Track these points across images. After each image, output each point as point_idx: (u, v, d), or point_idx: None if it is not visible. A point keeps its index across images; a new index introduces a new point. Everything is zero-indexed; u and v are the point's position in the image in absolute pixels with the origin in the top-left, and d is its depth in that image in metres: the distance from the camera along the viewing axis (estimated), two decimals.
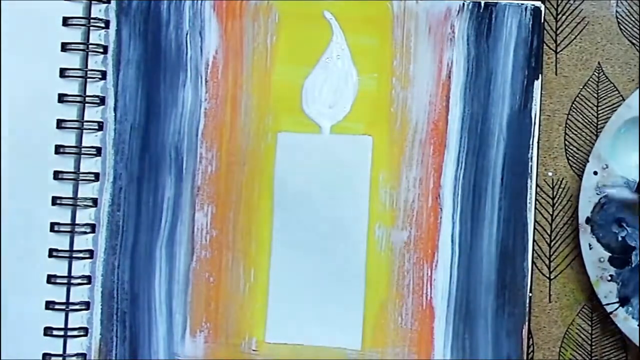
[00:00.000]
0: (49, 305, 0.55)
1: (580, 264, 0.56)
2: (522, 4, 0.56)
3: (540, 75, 0.56)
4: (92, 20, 0.56)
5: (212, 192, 0.56)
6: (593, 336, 0.56)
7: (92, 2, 0.56)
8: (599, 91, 0.57)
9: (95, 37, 0.56)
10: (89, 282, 0.56)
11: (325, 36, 0.56)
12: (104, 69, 0.56)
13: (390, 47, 0.56)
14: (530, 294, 0.56)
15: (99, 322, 0.56)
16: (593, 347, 0.56)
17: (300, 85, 0.56)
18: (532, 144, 0.56)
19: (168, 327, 0.56)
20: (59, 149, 0.56)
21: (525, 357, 0.55)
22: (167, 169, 0.56)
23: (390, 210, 0.56)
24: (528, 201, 0.55)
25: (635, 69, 0.56)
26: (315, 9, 0.56)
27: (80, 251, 0.56)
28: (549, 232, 0.57)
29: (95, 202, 0.56)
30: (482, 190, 0.56)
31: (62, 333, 0.55)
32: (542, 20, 0.56)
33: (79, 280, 0.56)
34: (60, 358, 0.55)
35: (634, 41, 0.56)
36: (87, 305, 0.56)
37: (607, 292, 0.55)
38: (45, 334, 0.55)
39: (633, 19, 0.56)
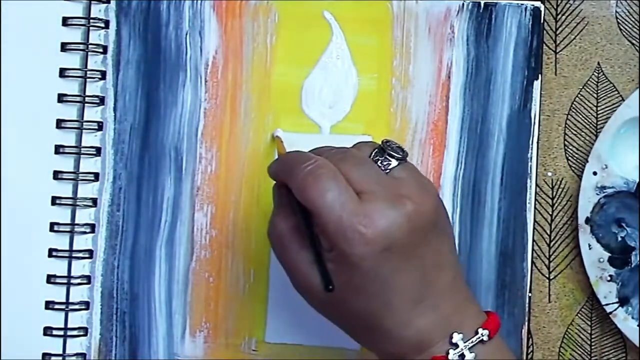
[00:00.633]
0: (49, 305, 0.55)
1: (580, 264, 0.56)
2: (522, 4, 0.56)
3: (539, 76, 0.56)
4: (91, 20, 0.56)
5: (212, 192, 0.56)
6: (592, 336, 0.56)
7: (92, 2, 0.56)
8: (599, 91, 0.57)
9: (95, 37, 0.56)
10: (89, 282, 0.56)
11: (325, 36, 0.56)
12: (103, 69, 0.56)
13: (390, 47, 0.56)
14: (530, 294, 0.56)
15: (98, 322, 0.56)
16: (593, 347, 0.56)
17: (300, 85, 0.56)
18: (532, 144, 0.56)
19: (168, 327, 0.56)
20: (58, 149, 0.56)
21: (525, 357, 0.55)
22: (166, 169, 0.56)
23: None
24: (528, 201, 0.55)
25: (634, 69, 0.56)
26: (315, 9, 0.56)
27: (80, 251, 0.56)
28: (548, 232, 0.57)
29: (94, 202, 0.56)
30: (482, 190, 0.56)
31: (61, 333, 0.55)
32: (542, 21, 0.56)
33: (78, 280, 0.56)
34: (60, 358, 0.55)
35: (633, 41, 0.56)
36: (86, 305, 0.56)
37: (606, 292, 0.55)
38: (44, 334, 0.55)
39: (633, 19, 0.56)
